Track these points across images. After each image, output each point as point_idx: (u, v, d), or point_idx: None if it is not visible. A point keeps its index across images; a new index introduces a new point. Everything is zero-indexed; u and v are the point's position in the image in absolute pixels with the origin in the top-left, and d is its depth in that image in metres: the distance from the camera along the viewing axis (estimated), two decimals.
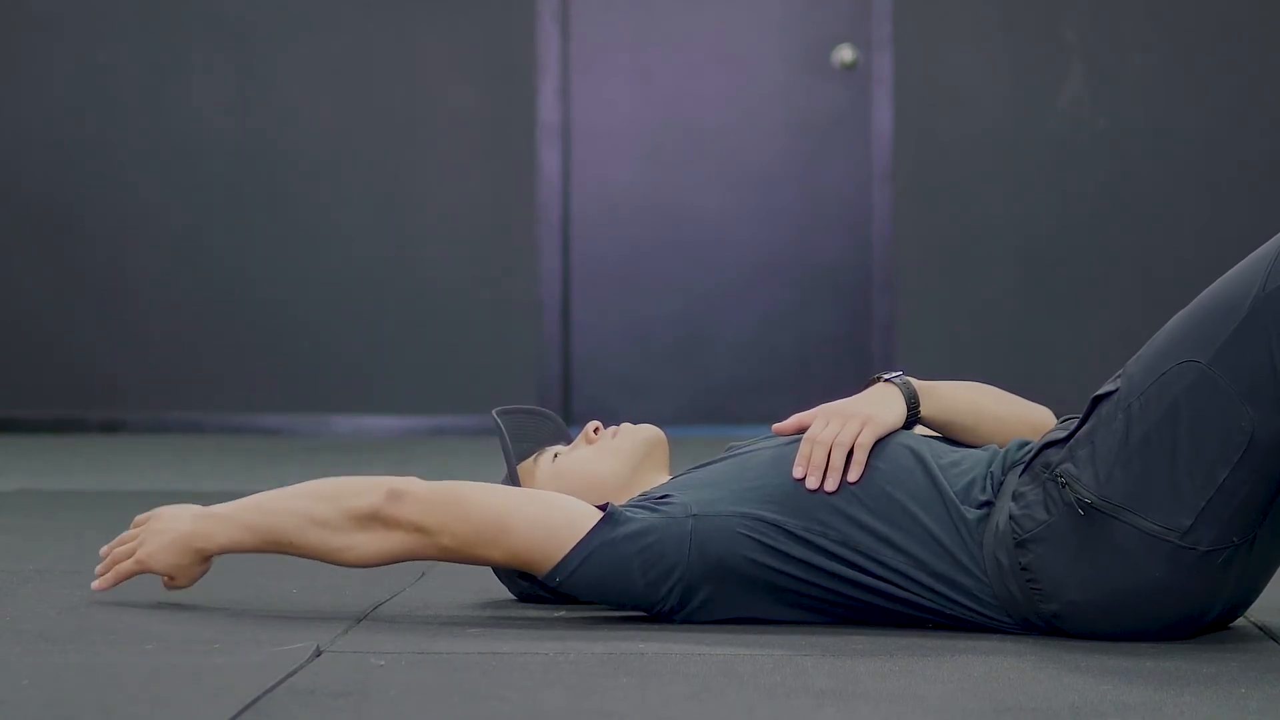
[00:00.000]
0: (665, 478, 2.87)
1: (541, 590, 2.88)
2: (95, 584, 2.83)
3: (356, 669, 2.37)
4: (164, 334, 7.48)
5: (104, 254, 7.46)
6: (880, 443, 2.67)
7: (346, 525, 2.67)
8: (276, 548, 2.72)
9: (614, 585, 2.65)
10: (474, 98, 7.42)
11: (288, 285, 7.44)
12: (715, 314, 7.50)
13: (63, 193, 7.48)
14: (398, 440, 7.19)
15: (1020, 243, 7.35)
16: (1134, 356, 2.57)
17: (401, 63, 7.43)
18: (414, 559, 2.69)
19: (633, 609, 2.73)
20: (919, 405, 2.73)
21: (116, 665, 2.39)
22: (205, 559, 2.78)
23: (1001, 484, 2.63)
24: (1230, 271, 2.52)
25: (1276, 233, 2.54)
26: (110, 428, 7.42)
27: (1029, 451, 2.63)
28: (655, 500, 2.69)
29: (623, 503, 2.72)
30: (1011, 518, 2.57)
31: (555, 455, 2.90)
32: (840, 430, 2.66)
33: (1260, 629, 2.69)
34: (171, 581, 2.79)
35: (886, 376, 2.76)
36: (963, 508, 2.61)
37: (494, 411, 2.94)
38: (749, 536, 2.64)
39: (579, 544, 2.63)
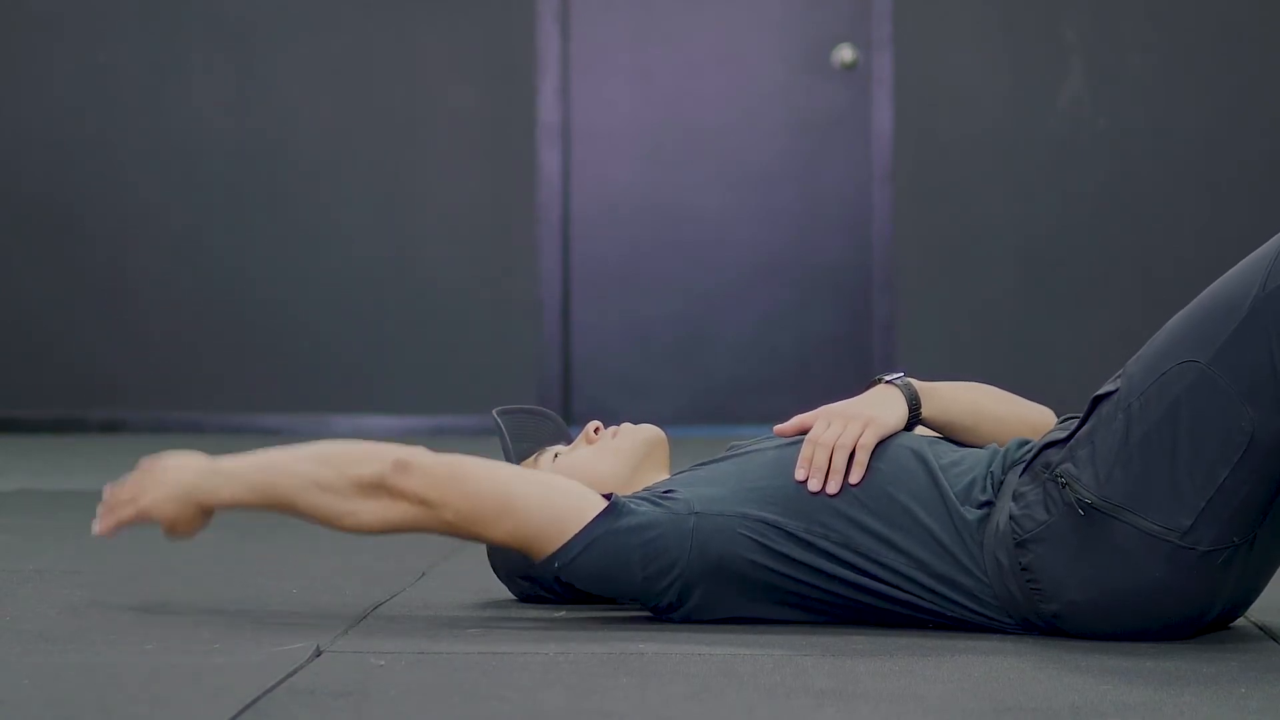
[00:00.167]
0: (665, 477, 2.87)
1: (541, 590, 2.88)
2: (95, 528, 2.81)
3: (356, 669, 2.37)
4: (164, 334, 7.48)
5: (104, 254, 7.46)
6: (882, 444, 2.67)
7: (350, 492, 2.65)
8: (278, 508, 2.70)
9: (613, 576, 2.65)
10: (474, 98, 7.42)
11: (288, 285, 7.44)
12: (715, 314, 7.50)
13: (63, 193, 7.48)
14: (397, 440, 7.19)
15: (1020, 243, 7.35)
16: (1134, 356, 2.57)
17: (401, 63, 7.43)
18: (415, 530, 2.67)
19: (629, 602, 2.73)
20: (920, 406, 2.73)
21: (116, 665, 2.39)
22: (207, 513, 2.75)
23: (1001, 483, 2.63)
24: (1230, 271, 2.52)
25: (1276, 233, 2.54)
26: (110, 428, 7.42)
27: (1029, 451, 2.63)
28: (659, 495, 2.69)
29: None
30: (1011, 518, 2.57)
31: (555, 455, 2.90)
32: (842, 432, 2.66)
33: (1260, 629, 2.69)
34: (171, 531, 2.77)
35: (887, 378, 2.76)
36: (963, 508, 2.61)
37: (494, 411, 2.94)
38: (750, 538, 2.64)
39: (581, 532, 2.63)
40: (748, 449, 2.78)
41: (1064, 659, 2.45)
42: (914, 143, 7.36)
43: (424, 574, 3.29)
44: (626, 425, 2.93)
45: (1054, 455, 2.58)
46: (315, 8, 7.45)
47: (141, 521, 2.78)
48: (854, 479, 2.64)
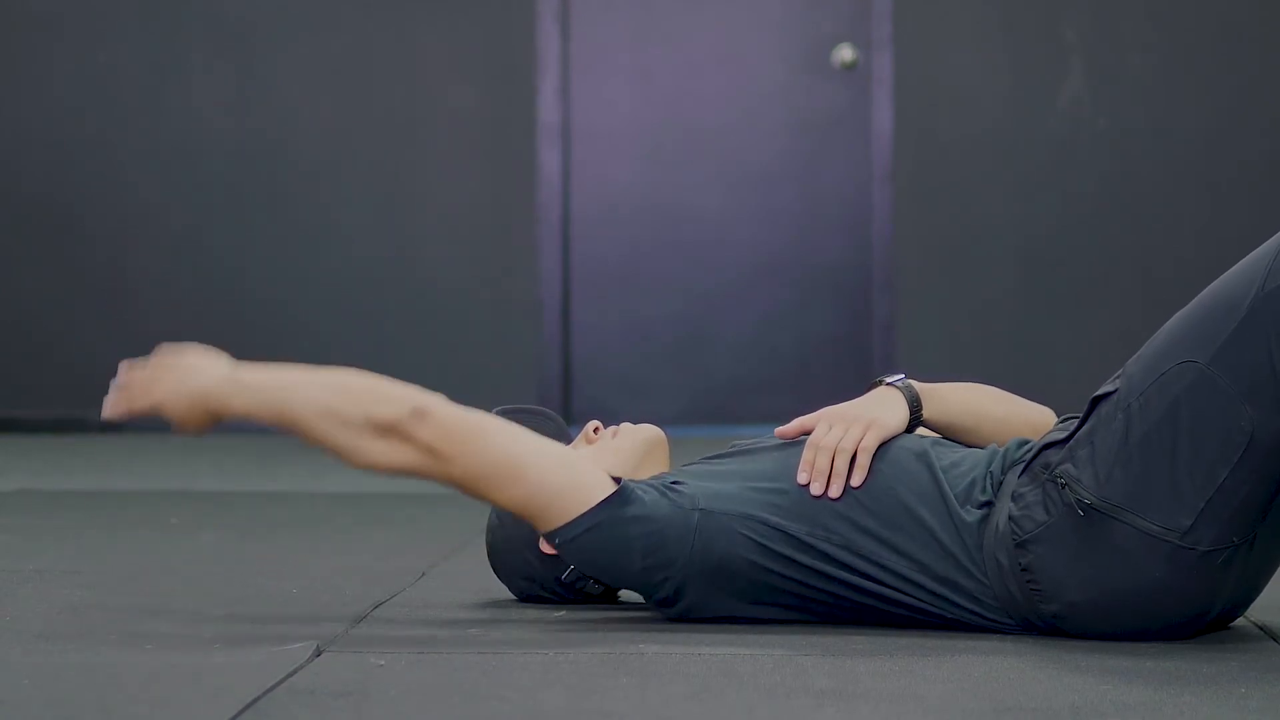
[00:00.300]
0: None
1: (541, 590, 2.89)
2: (105, 411, 2.79)
3: (356, 669, 2.37)
4: (164, 334, 7.46)
5: (104, 254, 7.46)
6: (883, 446, 2.67)
7: (364, 429, 2.62)
8: (289, 429, 2.66)
9: (612, 562, 2.65)
10: (474, 98, 7.42)
11: (288, 285, 7.44)
12: (715, 314, 7.50)
13: (63, 193, 7.48)
14: None
15: (1020, 243, 7.35)
16: (1133, 356, 2.57)
17: (401, 63, 7.43)
18: (420, 477, 2.64)
19: (624, 588, 2.72)
20: (921, 408, 2.73)
21: (116, 665, 2.39)
22: (217, 418, 2.73)
23: (1001, 484, 2.63)
24: (1230, 271, 2.52)
25: (1276, 232, 2.54)
26: (110, 428, 7.42)
27: (1028, 451, 2.63)
28: (667, 485, 2.68)
29: None
30: (1011, 518, 2.57)
31: None
32: (843, 435, 2.66)
33: (1260, 629, 2.69)
34: (179, 429, 2.76)
35: (888, 380, 2.76)
36: (963, 510, 2.61)
37: (494, 411, 2.94)
38: (751, 539, 2.64)
39: (588, 512, 2.62)
40: (752, 448, 2.78)
41: (1064, 659, 2.45)
42: (914, 143, 7.36)
43: (424, 574, 3.29)
44: (626, 425, 2.93)
45: (1053, 456, 2.58)
46: (315, 8, 7.45)
47: (151, 414, 2.74)
48: (856, 481, 2.64)
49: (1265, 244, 2.51)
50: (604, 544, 2.63)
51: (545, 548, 2.85)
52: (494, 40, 7.44)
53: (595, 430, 2.92)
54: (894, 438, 2.69)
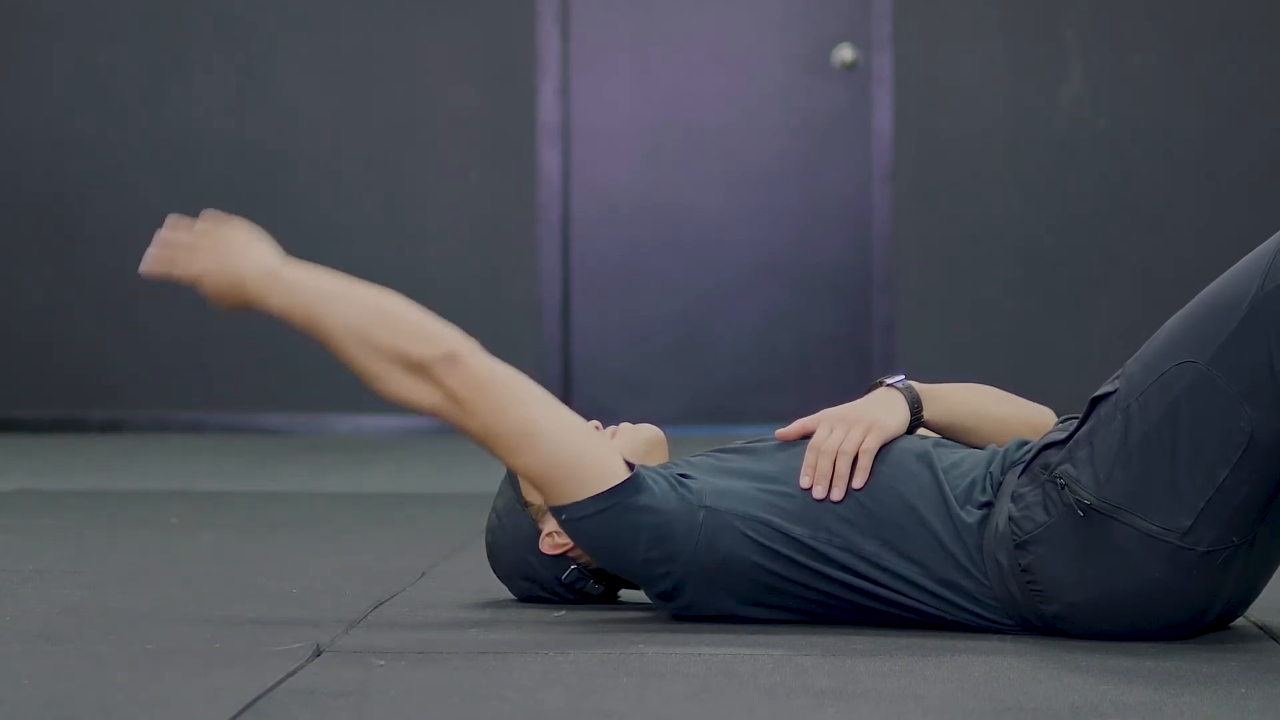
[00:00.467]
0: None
1: (541, 590, 2.89)
2: (144, 265, 2.76)
3: (356, 669, 2.37)
4: (164, 334, 7.48)
5: (104, 254, 7.46)
6: (884, 447, 2.67)
7: (394, 361, 2.61)
8: (319, 340, 2.64)
9: (615, 548, 2.65)
10: (474, 98, 7.42)
11: None
12: (715, 314, 7.50)
13: (63, 193, 7.48)
14: (398, 440, 7.19)
15: (1020, 243, 7.35)
16: (1133, 357, 2.57)
17: (401, 63, 7.43)
18: (438, 419, 2.63)
19: (623, 576, 2.72)
20: (921, 409, 2.74)
21: (116, 665, 2.39)
22: (251, 307, 2.70)
23: (1001, 484, 2.63)
24: (1229, 271, 2.52)
25: (1276, 232, 2.54)
26: (110, 428, 7.42)
27: (1028, 452, 2.63)
28: (677, 476, 2.68)
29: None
30: (1011, 519, 2.57)
31: None
32: (844, 438, 2.66)
33: (1260, 629, 2.69)
34: (212, 304, 2.74)
35: (888, 380, 2.76)
36: (963, 510, 2.61)
37: None
38: (754, 540, 2.64)
39: (598, 495, 2.61)
40: (757, 447, 2.77)
41: (1064, 659, 2.45)
42: (914, 143, 7.36)
43: (424, 574, 3.29)
44: (625, 425, 2.93)
45: (1053, 456, 2.58)
46: (315, 8, 7.45)
47: (186, 284, 2.72)
48: (857, 484, 2.64)
49: (1265, 244, 2.51)
50: (610, 529, 2.63)
51: (545, 548, 2.85)
52: (494, 40, 7.44)
53: (595, 430, 2.92)
54: (895, 439, 2.69)
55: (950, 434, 2.78)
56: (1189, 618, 2.55)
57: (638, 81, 7.50)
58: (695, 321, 7.50)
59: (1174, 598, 2.52)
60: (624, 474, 2.63)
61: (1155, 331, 2.57)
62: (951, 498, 2.62)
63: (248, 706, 2.13)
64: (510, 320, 7.41)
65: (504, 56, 7.44)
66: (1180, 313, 2.54)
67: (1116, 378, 2.56)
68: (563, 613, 2.81)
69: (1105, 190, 7.33)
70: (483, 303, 7.42)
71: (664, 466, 2.73)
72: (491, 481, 3.07)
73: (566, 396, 7.44)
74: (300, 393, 7.44)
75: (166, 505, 4.63)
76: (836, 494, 2.64)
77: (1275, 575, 2.65)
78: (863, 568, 2.63)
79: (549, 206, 7.43)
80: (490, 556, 2.93)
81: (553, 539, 2.85)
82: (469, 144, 7.45)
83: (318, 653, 2.46)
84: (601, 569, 2.86)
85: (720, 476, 2.69)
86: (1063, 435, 2.59)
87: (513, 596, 2.93)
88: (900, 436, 2.70)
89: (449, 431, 7.99)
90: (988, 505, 2.62)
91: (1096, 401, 2.56)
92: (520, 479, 2.88)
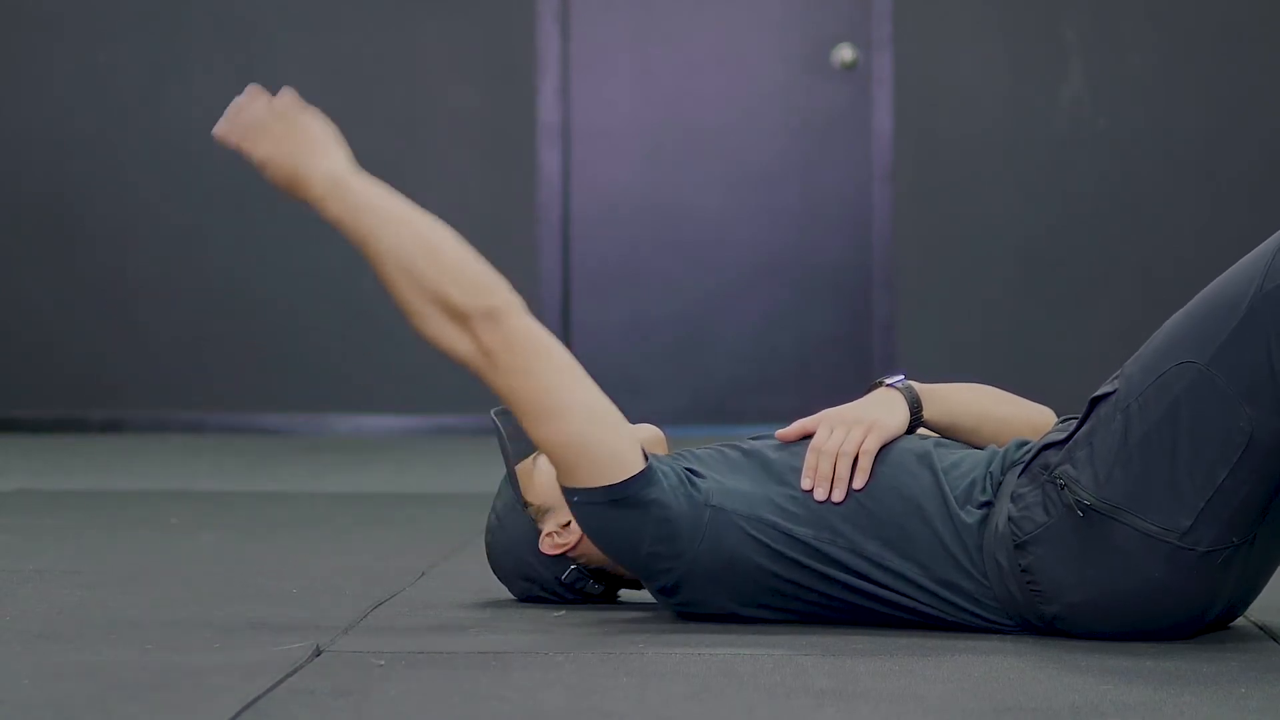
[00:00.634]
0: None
1: (541, 590, 2.89)
2: (217, 129, 2.74)
3: (356, 669, 2.37)
4: (164, 334, 7.48)
5: (104, 254, 7.46)
6: (885, 448, 2.67)
7: (436, 304, 2.59)
8: (367, 259, 2.62)
9: (620, 539, 2.65)
10: (474, 98, 7.42)
11: (288, 285, 7.44)
12: (715, 314, 7.49)
13: (63, 193, 7.48)
14: (398, 440, 7.20)
15: (1020, 243, 7.35)
16: (1132, 357, 2.57)
17: (401, 63, 7.43)
18: (466, 369, 2.62)
19: (624, 567, 2.71)
20: (921, 409, 2.74)
21: (116, 665, 2.39)
22: (306, 204, 2.67)
23: (1000, 484, 2.63)
24: (1228, 271, 2.52)
25: (1276, 232, 2.54)
26: (110, 428, 7.42)
27: (1028, 452, 2.63)
28: (686, 471, 2.68)
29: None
30: (1010, 519, 2.57)
31: None
32: (845, 438, 2.66)
33: (1260, 629, 2.69)
34: (270, 184, 2.72)
35: (888, 380, 2.76)
36: (963, 511, 2.61)
37: (492, 412, 2.94)
38: (759, 540, 2.64)
39: (611, 485, 2.61)
40: (760, 446, 2.76)
41: (1064, 659, 2.45)
42: (914, 143, 7.36)
43: (424, 574, 3.29)
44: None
45: (1052, 456, 2.58)
46: (315, 7, 7.45)
47: (248, 159, 2.69)
48: (858, 484, 2.64)
49: (1264, 243, 2.51)
50: (617, 520, 2.63)
51: (545, 548, 2.85)
52: (494, 40, 7.44)
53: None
54: (895, 439, 2.69)
55: (950, 434, 2.78)
56: (1189, 618, 2.55)
57: (638, 81, 7.50)
58: (695, 321, 7.50)
59: (1174, 598, 2.52)
60: (640, 465, 2.62)
61: (1155, 331, 2.57)
62: (952, 498, 2.62)
63: (248, 706, 2.13)
64: None
65: (504, 56, 7.44)
66: (1180, 313, 2.54)
67: (1116, 378, 2.56)
68: (563, 613, 2.81)
69: (1105, 190, 7.33)
70: None
71: (673, 458, 2.73)
72: (491, 481, 3.07)
73: None
74: (300, 393, 7.44)
75: (166, 505, 4.63)
76: (837, 495, 2.64)
77: (1275, 575, 2.65)
78: (865, 568, 2.63)
79: (549, 206, 7.43)
80: (490, 556, 2.93)
81: (553, 539, 2.85)
82: (469, 144, 7.45)
83: (318, 653, 2.46)
84: (601, 569, 2.86)
85: (727, 475, 2.69)
86: (1062, 435, 2.59)
87: (513, 596, 2.93)
88: (900, 437, 2.70)
89: (449, 431, 8.02)
90: (987, 505, 2.62)
91: (1096, 402, 2.56)
92: (520, 479, 2.88)
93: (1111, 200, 7.33)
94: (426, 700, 2.19)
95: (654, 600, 2.83)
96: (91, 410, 7.47)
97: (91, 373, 7.48)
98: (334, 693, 2.22)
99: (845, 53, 7.38)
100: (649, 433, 2.90)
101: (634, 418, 3.25)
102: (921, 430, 2.77)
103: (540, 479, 2.87)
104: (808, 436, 2.71)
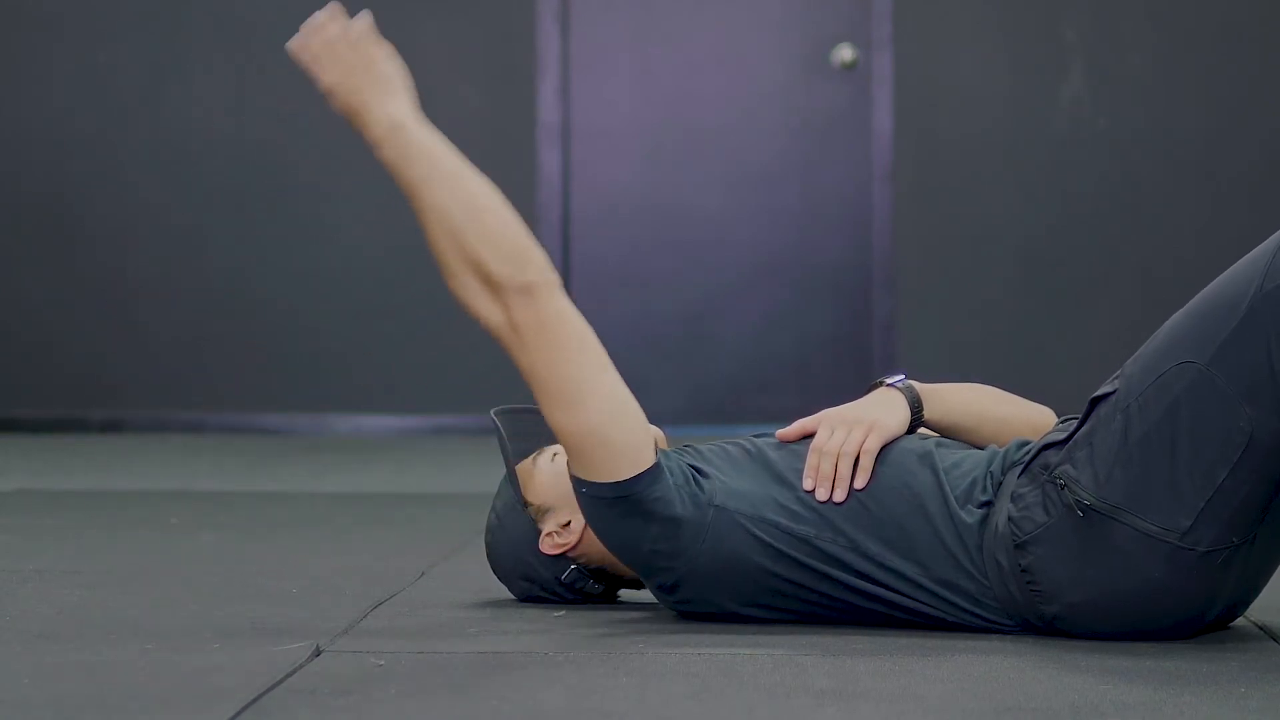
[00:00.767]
0: None
1: (541, 590, 2.89)
2: (291, 43, 2.73)
3: (356, 669, 2.37)
4: (164, 334, 7.48)
5: (104, 254, 7.46)
6: (886, 447, 2.67)
7: (473, 269, 2.59)
8: (413, 208, 2.63)
9: (623, 535, 2.65)
10: (474, 98, 7.42)
11: (288, 285, 7.44)
12: (715, 314, 7.50)
13: (63, 193, 7.48)
14: (398, 440, 7.20)
15: (1020, 243, 7.35)
16: (1132, 357, 2.57)
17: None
18: (493, 338, 2.61)
19: (625, 562, 2.71)
20: (922, 409, 2.73)
21: (116, 665, 2.39)
22: (362, 136, 2.65)
23: (1000, 484, 2.63)
24: (1228, 271, 2.52)
25: (1276, 232, 2.54)
26: (110, 428, 7.42)
27: (1028, 452, 2.63)
28: (691, 468, 2.68)
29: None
30: (1010, 519, 2.57)
31: (554, 455, 2.90)
32: (845, 439, 2.66)
33: (1260, 629, 2.69)
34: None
35: (889, 380, 2.76)
36: (963, 510, 2.61)
37: (492, 411, 2.94)
38: (762, 541, 2.64)
39: (620, 481, 2.61)
40: (761, 445, 2.76)
41: (1064, 659, 2.45)
42: (914, 143, 7.36)
43: (424, 574, 3.29)
44: None
45: (1052, 457, 2.57)
46: (315, 8, 7.41)
47: (312, 77, 2.66)
48: (859, 484, 2.64)
49: (1264, 243, 2.51)
50: (622, 516, 2.63)
51: (545, 548, 2.85)
52: (494, 40, 7.44)
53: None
54: (896, 439, 2.69)
55: (950, 434, 2.78)
56: (1189, 618, 2.55)
57: (638, 81, 7.50)
58: (695, 321, 7.50)
59: (1174, 598, 2.52)
60: (649, 462, 2.62)
61: (1155, 331, 2.57)
62: (952, 498, 2.62)
63: (248, 706, 2.13)
64: None
65: (504, 56, 7.44)
66: (1180, 313, 2.54)
67: (1116, 378, 2.56)
68: (563, 613, 2.81)
69: (1105, 190, 7.33)
70: None
71: (679, 453, 2.73)
72: (491, 481, 3.07)
73: None
74: (300, 393, 7.44)
75: (166, 505, 4.63)
76: (839, 495, 2.64)
77: (1275, 575, 2.65)
78: (866, 567, 2.62)
79: (549, 206, 7.43)
80: (490, 556, 2.93)
81: (552, 539, 2.85)
82: (469, 144, 7.37)
83: (318, 653, 2.46)
84: (601, 569, 2.86)
85: (731, 474, 2.69)
86: (1062, 435, 2.59)
87: (513, 596, 2.93)
88: (901, 437, 2.70)
89: (449, 431, 8.02)
90: (988, 505, 2.62)
91: (1096, 402, 2.56)
92: (520, 479, 2.88)
93: (1111, 200, 7.33)
94: (426, 700, 2.19)
95: (654, 600, 2.83)
96: (91, 410, 7.47)
97: (91, 373, 7.48)
98: (334, 693, 2.22)
99: (845, 53, 7.38)
100: (654, 433, 2.90)
101: None
102: (922, 430, 2.77)
103: (540, 479, 2.87)
104: (808, 436, 2.71)
